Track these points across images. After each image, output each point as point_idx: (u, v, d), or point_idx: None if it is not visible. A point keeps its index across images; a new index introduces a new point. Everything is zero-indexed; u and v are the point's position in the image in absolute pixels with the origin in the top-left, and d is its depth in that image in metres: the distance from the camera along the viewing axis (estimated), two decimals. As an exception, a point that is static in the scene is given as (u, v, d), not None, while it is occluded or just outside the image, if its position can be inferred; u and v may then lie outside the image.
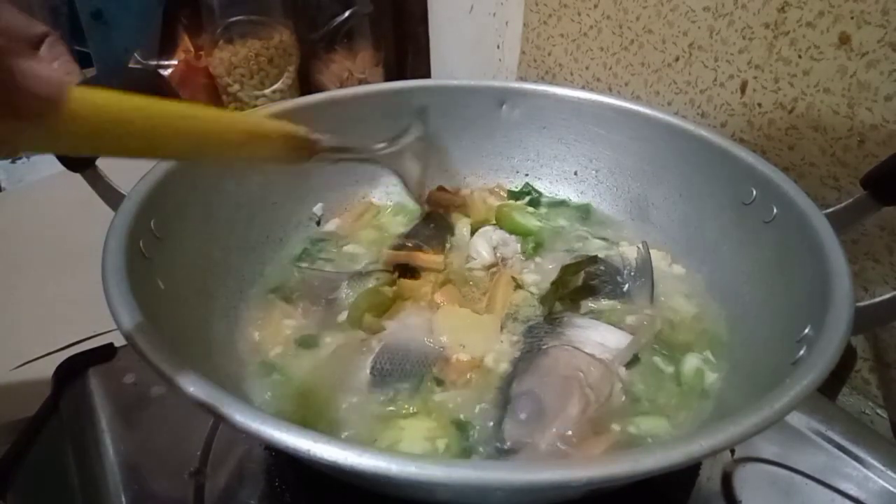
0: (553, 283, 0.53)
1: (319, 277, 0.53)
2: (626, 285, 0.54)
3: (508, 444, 0.41)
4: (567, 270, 0.53)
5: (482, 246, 0.58)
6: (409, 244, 0.57)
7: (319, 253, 0.59)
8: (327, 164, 0.47)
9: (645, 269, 0.55)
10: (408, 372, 0.46)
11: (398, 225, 0.63)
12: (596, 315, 0.52)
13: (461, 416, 0.43)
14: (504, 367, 0.47)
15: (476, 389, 0.45)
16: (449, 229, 0.61)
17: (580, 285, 0.53)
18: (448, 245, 0.59)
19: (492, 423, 0.42)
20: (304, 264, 0.57)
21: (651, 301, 0.53)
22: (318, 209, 0.63)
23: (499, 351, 0.48)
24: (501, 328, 0.50)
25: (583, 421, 0.42)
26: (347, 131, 0.62)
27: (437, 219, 0.63)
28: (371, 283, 0.52)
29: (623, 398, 0.45)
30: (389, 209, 0.66)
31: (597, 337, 0.48)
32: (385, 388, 0.45)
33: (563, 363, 0.46)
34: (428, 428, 0.42)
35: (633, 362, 0.47)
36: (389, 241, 0.60)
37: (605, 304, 0.53)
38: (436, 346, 0.48)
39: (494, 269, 0.57)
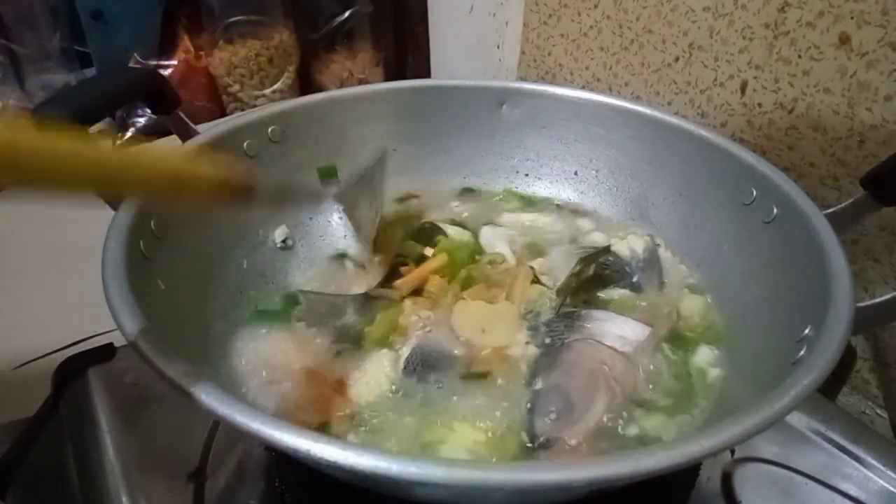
0: (571, 275, 0.53)
1: (326, 303, 0.51)
2: (636, 276, 0.55)
3: (540, 439, 0.41)
4: (585, 261, 0.54)
5: (501, 246, 0.58)
6: (407, 259, 0.56)
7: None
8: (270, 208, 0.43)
9: (653, 260, 0.56)
10: (439, 370, 0.46)
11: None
12: (610, 305, 0.52)
13: (492, 414, 0.43)
14: (528, 359, 0.47)
15: (504, 384, 0.45)
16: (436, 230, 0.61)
17: (591, 275, 0.54)
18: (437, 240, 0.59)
19: (522, 419, 0.43)
20: (308, 289, 0.54)
21: (661, 291, 0.54)
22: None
23: (521, 344, 0.48)
24: (523, 323, 0.50)
25: (604, 414, 0.42)
26: (347, 132, 0.63)
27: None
28: (379, 307, 0.51)
29: (646, 390, 0.45)
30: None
31: (616, 329, 0.48)
32: (417, 387, 0.45)
33: (587, 357, 0.46)
34: (460, 427, 0.42)
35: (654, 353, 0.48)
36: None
37: (617, 293, 0.54)
38: (461, 342, 0.48)
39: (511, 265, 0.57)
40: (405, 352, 0.47)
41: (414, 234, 0.60)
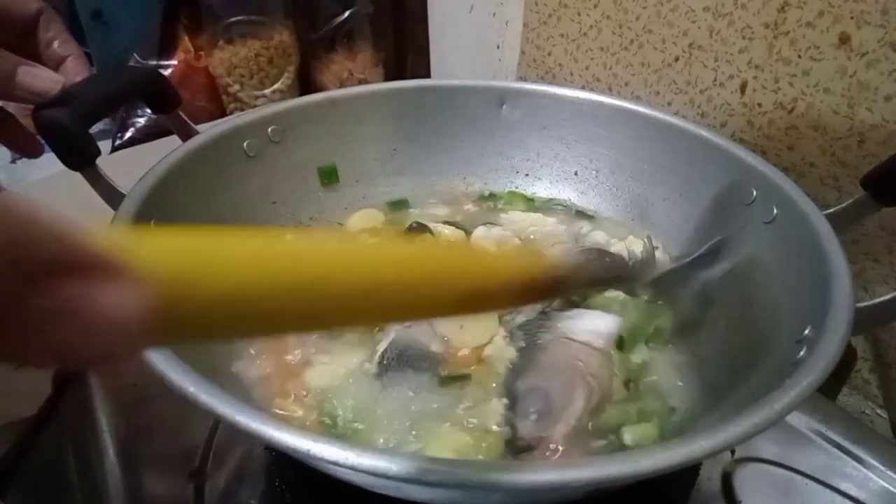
0: None
1: None
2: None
3: (523, 441, 0.41)
4: None
5: (490, 247, 0.58)
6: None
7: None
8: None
9: (650, 262, 0.55)
10: (415, 366, 0.46)
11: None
12: (590, 303, 0.52)
13: (473, 415, 0.43)
14: (505, 362, 0.47)
15: (483, 387, 0.45)
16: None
17: None
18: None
19: (504, 422, 0.43)
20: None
21: (654, 294, 0.54)
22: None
23: (498, 344, 0.48)
24: (499, 324, 0.50)
25: (589, 409, 0.43)
26: (347, 132, 0.63)
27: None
28: None
29: (620, 383, 0.45)
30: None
31: (587, 325, 0.48)
32: (392, 384, 0.45)
33: (562, 355, 0.46)
34: (439, 430, 0.42)
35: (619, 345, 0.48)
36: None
37: (611, 295, 0.54)
38: (438, 339, 0.48)
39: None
40: (382, 345, 0.47)
41: (402, 233, 0.59)
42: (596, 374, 0.45)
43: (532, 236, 0.61)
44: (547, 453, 0.40)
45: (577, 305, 0.52)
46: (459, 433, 0.42)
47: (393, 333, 0.48)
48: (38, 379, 0.54)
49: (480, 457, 0.41)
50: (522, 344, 0.48)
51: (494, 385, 0.45)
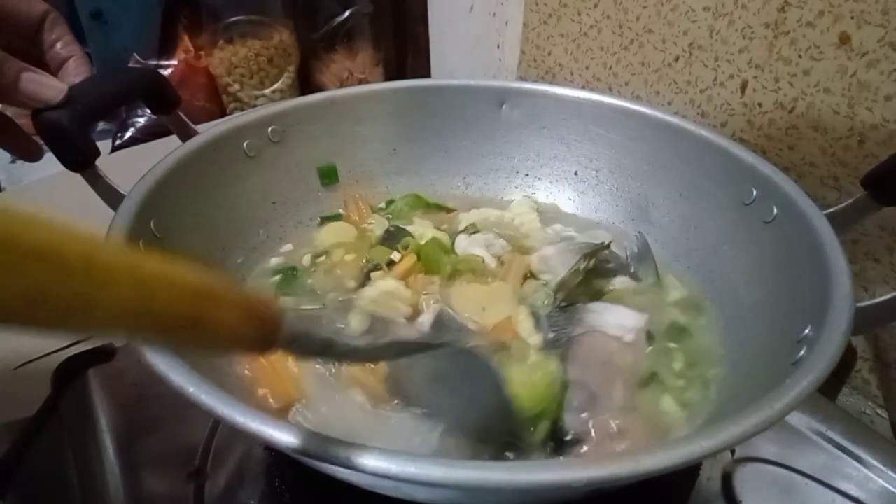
0: (575, 270, 0.53)
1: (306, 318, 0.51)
2: (633, 267, 0.56)
3: (570, 435, 0.41)
4: (588, 257, 0.54)
5: (478, 249, 0.57)
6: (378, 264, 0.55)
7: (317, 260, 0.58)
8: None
9: (646, 252, 0.57)
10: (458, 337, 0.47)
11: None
12: (607, 297, 0.53)
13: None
14: (537, 341, 0.48)
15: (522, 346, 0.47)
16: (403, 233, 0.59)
17: (592, 268, 0.54)
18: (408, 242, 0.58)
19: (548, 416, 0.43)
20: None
21: (658, 279, 0.55)
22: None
23: (525, 328, 0.49)
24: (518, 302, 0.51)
25: (625, 404, 0.44)
26: (347, 132, 0.63)
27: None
28: (354, 311, 0.51)
29: (647, 377, 0.46)
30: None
31: (614, 319, 0.49)
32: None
33: (599, 350, 0.47)
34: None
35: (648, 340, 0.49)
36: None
37: (618, 281, 0.55)
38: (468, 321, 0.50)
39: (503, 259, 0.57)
40: (427, 318, 0.49)
41: (381, 238, 0.59)
42: (631, 370, 0.46)
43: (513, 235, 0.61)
44: (592, 446, 0.41)
45: (598, 299, 0.52)
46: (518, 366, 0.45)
47: (434, 308, 0.50)
48: (38, 379, 0.54)
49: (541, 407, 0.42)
50: (552, 335, 0.48)
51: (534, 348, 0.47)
